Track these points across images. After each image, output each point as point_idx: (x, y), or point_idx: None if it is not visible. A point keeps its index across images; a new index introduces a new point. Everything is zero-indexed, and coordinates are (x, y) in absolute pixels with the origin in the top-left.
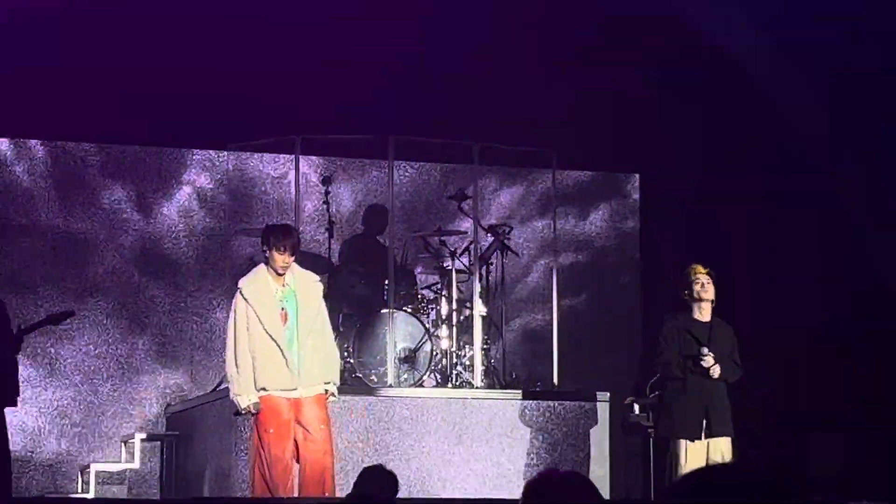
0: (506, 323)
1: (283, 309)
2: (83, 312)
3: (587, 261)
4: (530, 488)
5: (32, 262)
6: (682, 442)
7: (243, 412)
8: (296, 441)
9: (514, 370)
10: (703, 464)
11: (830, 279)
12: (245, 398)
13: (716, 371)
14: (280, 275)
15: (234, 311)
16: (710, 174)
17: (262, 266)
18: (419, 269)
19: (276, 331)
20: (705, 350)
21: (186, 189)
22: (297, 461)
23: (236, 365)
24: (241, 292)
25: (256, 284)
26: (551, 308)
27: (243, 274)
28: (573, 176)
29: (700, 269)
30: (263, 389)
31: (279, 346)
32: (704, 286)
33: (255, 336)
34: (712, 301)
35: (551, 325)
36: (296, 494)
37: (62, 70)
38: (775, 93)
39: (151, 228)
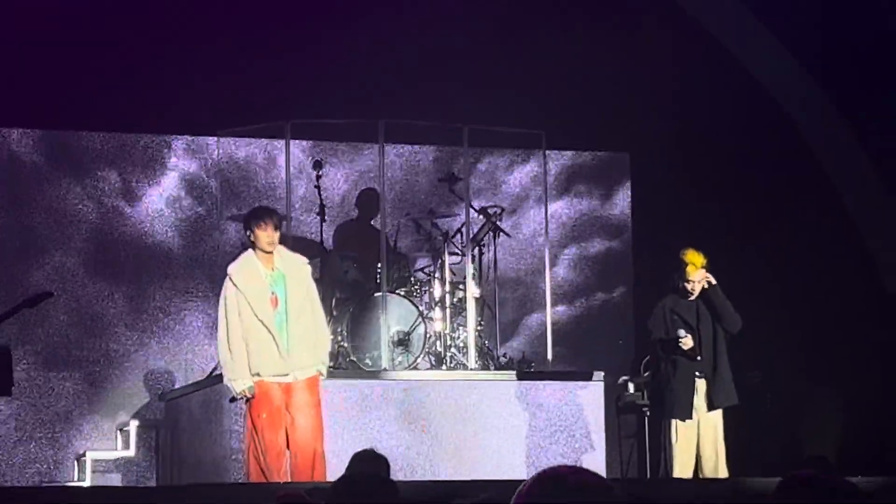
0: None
1: (272, 293)
2: (63, 297)
3: (588, 242)
4: (540, 484)
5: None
6: (674, 422)
7: (238, 397)
8: (285, 428)
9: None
10: (694, 440)
11: (824, 260)
12: (240, 383)
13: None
14: (268, 253)
15: (225, 297)
16: (702, 155)
17: (249, 252)
18: (412, 252)
19: (267, 316)
20: (682, 332)
21: (173, 176)
22: (288, 447)
23: (230, 350)
24: (230, 278)
25: (246, 270)
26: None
27: (234, 261)
28: (583, 156)
29: (694, 266)
30: (257, 375)
31: (270, 332)
32: (695, 287)
33: (246, 322)
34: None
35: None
36: (288, 480)
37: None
38: (765, 74)
39: (138, 217)
